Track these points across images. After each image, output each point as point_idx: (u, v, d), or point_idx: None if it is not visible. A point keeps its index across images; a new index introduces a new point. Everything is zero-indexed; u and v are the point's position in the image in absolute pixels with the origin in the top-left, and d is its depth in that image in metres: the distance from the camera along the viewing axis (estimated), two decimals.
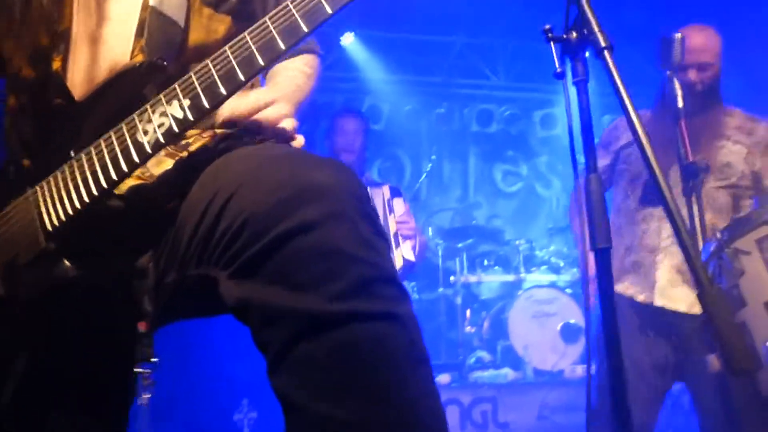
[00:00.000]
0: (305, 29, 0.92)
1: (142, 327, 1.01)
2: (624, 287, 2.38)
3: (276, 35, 0.92)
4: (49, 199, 0.99)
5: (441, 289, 5.08)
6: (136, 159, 0.94)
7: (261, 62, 0.92)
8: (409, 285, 5.46)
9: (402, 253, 3.10)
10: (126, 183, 0.99)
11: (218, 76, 0.92)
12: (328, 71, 5.65)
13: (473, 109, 6.13)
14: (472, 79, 6.15)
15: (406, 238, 3.15)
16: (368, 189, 3.06)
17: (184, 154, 1.04)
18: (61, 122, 1.03)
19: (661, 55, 2.26)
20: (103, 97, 1.01)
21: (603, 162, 2.54)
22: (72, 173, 0.98)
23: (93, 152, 0.97)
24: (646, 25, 4.77)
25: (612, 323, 1.12)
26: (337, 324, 0.80)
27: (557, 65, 1.22)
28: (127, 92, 1.00)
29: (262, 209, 0.85)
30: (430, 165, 5.41)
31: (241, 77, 0.92)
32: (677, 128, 2.31)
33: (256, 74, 0.94)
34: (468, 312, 5.03)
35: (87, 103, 1.02)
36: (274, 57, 0.93)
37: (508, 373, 4.47)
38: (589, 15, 1.16)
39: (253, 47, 0.92)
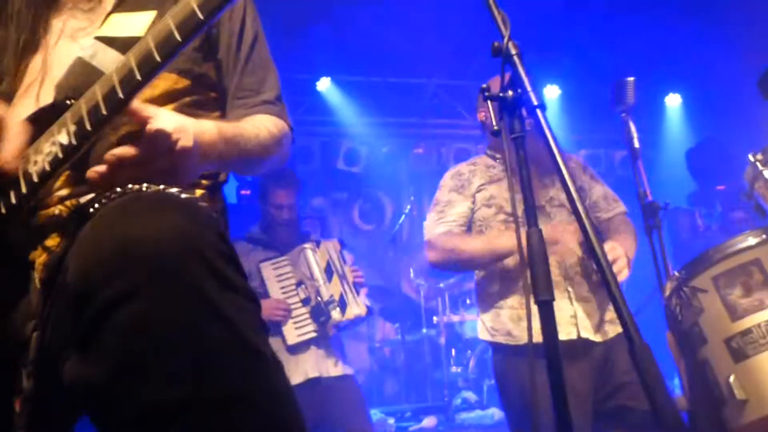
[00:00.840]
0: (179, 39, 0.89)
1: (17, 405, 0.90)
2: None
3: (153, 48, 0.90)
4: None
5: (425, 330, 5.07)
6: (23, 190, 0.95)
7: (138, 77, 0.91)
8: (393, 326, 5.46)
9: (363, 301, 3.15)
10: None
11: (102, 97, 0.92)
12: (306, 115, 5.74)
13: (450, 149, 6.20)
14: (447, 119, 6.25)
15: (361, 286, 3.20)
16: (321, 243, 3.05)
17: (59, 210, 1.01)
18: None
19: (615, 97, 2.33)
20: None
21: (464, 206, 2.44)
22: None
23: None
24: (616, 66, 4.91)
25: (558, 374, 1.14)
26: (175, 416, 0.69)
27: (494, 123, 1.26)
28: (37, 133, 0.99)
29: (86, 276, 0.74)
30: (409, 206, 5.45)
31: (120, 95, 0.91)
32: (635, 167, 2.36)
33: (135, 90, 0.92)
34: (453, 352, 5.02)
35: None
36: (150, 71, 0.91)
37: (494, 413, 4.44)
38: (521, 74, 1.20)
39: (132, 64, 0.91)
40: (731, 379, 1.67)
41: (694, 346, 1.83)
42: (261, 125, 1.23)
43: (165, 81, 1.18)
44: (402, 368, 5.24)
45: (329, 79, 5.75)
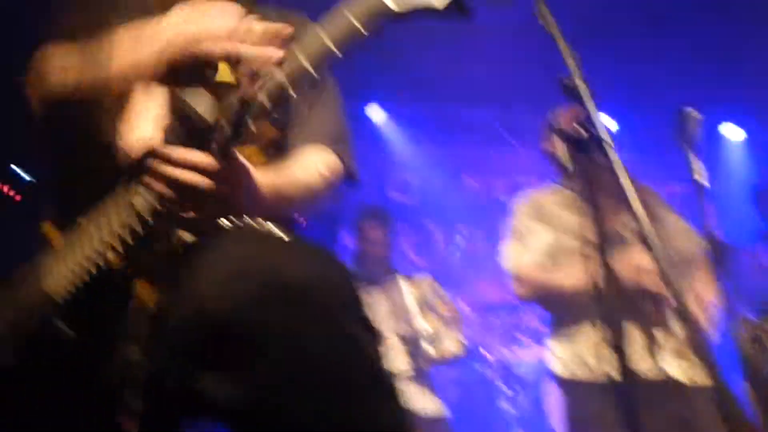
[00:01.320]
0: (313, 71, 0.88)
1: (125, 424, 0.95)
2: None
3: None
4: (68, 260, 1.02)
5: (477, 365, 4.95)
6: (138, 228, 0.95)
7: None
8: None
9: (458, 337, 3.13)
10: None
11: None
12: (357, 143, 5.76)
13: (506, 180, 6.13)
14: (501, 148, 6.18)
15: (455, 321, 3.18)
16: (415, 279, 3.05)
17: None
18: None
19: (678, 128, 2.21)
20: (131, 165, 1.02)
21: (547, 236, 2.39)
22: (92, 238, 1.01)
23: (111, 219, 0.99)
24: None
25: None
26: None
27: (564, 159, 1.22)
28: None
29: (233, 309, 0.81)
30: (460, 237, 5.39)
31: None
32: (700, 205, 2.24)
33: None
34: (504, 388, 4.87)
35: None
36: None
37: None
38: (592, 112, 1.15)
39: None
40: None
41: None
42: (314, 169, 1.24)
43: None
44: (450, 404, 5.11)
45: (381, 107, 5.78)
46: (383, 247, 3.26)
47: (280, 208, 1.12)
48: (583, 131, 1.17)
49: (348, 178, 1.36)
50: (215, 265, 0.86)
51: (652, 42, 4.86)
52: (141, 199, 0.94)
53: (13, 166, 3.36)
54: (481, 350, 4.98)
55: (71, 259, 1.02)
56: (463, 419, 5.03)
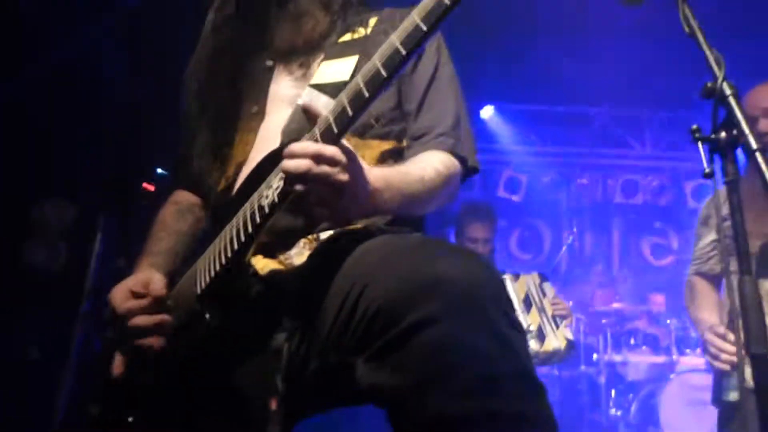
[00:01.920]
0: (384, 74, 0.96)
1: (273, 405, 1.04)
2: None
3: (362, 86, 0.97)
4: (203, 268, 1.17)
5: (583, 367, 4.87)
6: (258, 219, 1.05)
7: (350, 113, 0.98)
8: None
9: (564, 334, 3.09)
10: (268, 266, 1.10)
11: (319, 134, 1.00)
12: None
13: (617, 180, 5.96)
14: (615, 148, 6.02)
15: (563, 318, 3.15)
16: (520, 276, 3.05)
17: (315, 243, 1.13)
18: (225, 210, 1.19)
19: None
20: (249, 180, 1.16)
21: (708, 238, 2.35)
22: (217, 244, 1.15)
23: (233, 223, 1.12)
24: None
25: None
26: (462, 424, 0.81)
27: (705, 165, 1.22)
28: (265, 172, 1.11)
29: (393, 300, 0.88)
30: (571, 237, 5.30)
31: (335, 130, 0.99)
32: None
33: (348, 125, 0.99)
34: (613, 393, 4.76)
35: (241, 189, 1.17)
36: (361, 107, 0.97)
37: None
38: (739, 116, 1.16)
39: (345, 102, 0.98)
40: None
41: None
42: (428, 165, 1.24)
43: (371, 150, 1.28)
44: (555, 404, 5.06)
45: (492, 106, 5.79)
46: (485, 246, 3.27)
47: (396, 202, 1.14)
48: (723, 134, 1.18)
49: (467, 171, 1.35)
50: (384, 264, 0.94)
51: None
52: (270, 194, 1.05)
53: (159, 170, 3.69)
54: (594, 355, 4.90)
55: (209, 255, 1.17)
56: (566, 421, 4.97)
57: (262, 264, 1.12)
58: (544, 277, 3.28)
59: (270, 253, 1.14)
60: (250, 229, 1.08)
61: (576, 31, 4.64)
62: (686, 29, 1.31)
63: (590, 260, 6.18)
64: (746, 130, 1.14)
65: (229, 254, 1.11)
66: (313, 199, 1.01)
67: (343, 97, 1.00)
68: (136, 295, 1.22)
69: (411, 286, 0.88)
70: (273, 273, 1.10)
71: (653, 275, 5.99)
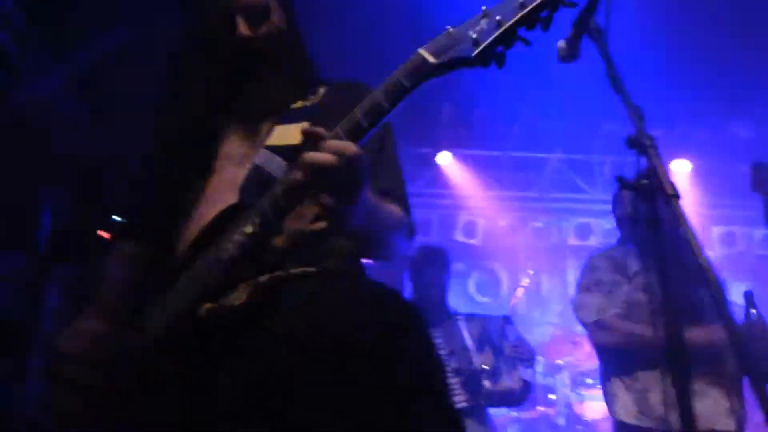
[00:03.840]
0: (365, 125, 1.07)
1: None
2: None
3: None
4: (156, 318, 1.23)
5: (541, 408, 4.91)
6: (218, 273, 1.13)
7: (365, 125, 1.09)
8: None
9: (519, 375, 3.14)
10: (206, 305, 1.15)
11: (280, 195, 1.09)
12: (425, 188, 5.93)
13: (570, 223, 6.14)
14: (568, 193, 6.21)
15: (523, 361, 3.19)
16: (475, 317, 3.09)
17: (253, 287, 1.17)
18: (178, 261, 1.25)
19: (753, 180, 2.27)
20: (207, 232, 1.21)
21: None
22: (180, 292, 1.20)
23: (194, 273, 1.18)
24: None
25: None
26: None
27: (630, 210, 1.32)
28: (223, 224, 1.18)
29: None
30: (526, 279, 5.40)
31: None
32: None
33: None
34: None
35: (197, 240, 1.23)
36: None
37: None
38: (657, 165, 1.25)
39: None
40: None
41: None
42: (394, 208, 1.35)
43: None
44: None
45: (449, 153, 5.94)
46: (439, 289, 3.33)
47: (375, 218, 1.22)
48: (645, 182, 1.27)
49: (408, 234, 1.43)
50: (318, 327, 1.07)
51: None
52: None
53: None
54: (549, 394, 4.95)
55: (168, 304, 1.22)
56: None
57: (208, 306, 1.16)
58: (507, 321, 3.33)
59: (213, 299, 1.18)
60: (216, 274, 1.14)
61: (530, 79, 4.85)
62: (613, 86, 1.42)
63: (547, 301, 6.29)
64: (662, 179, 1.24)
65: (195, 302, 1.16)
66: (327, 198, 1.06)
67: (357, 112, 1.10)
68: (84, 337, 1.23)
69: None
70: (210, 311, 1.15)
71: None
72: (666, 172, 1.25)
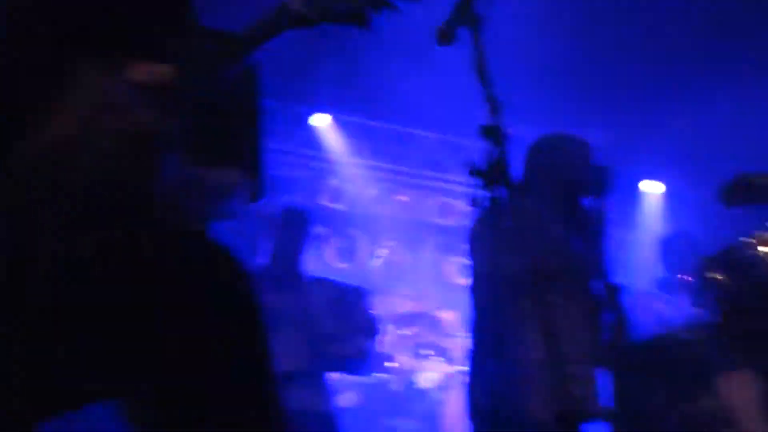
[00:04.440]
0: None
1: None
2: None
3: None
4: None
5: (379, 375, 5.09)
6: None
7: None
8: None
9: (360, 342, 3.20)
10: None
11: None
12: (296, 147, 5.85)
13: (435, 201, 6.34)
14: (438, 172, 6.40)
15: (368, 330, 3.25)
16: (325, 281, 3.10)
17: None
18: None
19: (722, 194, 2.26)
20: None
21: None
22: None
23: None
24: None
25: None
26: None
27: (475, 196, 1.37)
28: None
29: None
30: (385, 250, 5.53)
31: None
32: None
33: None
34: (405, 401, 5.03)
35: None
36: None
37: None
38: (502, 157, 1.31)
39: None
40: None
41: None
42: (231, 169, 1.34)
43: None
44: (351, 410, 5.23)
45: (327, 116, 5.88)
46: (295, 251, 3.31)
47: (198, 189, 1.23)
48: (492, 171, 1.33)
49: (257, 194, 1.42)
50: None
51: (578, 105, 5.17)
52: None
53: None
54: (388, 362, 5.13)
55: None
56: (360, 426, 5.15)
57: None
58: (358, 290, 3.38)
59: None
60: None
61: (416, 56, 4.89)
62: (477, 75, 1.46)
63: (401, 274, 6.49)
64: (507, 169, 1.30)
65: None
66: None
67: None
68: None
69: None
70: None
71: (455, 293, 6.42)
72: (509, 163, 1.31)
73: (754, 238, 1.94)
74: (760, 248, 1.91)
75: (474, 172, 1.38)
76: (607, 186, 2.40)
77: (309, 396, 3.07)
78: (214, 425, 1.00)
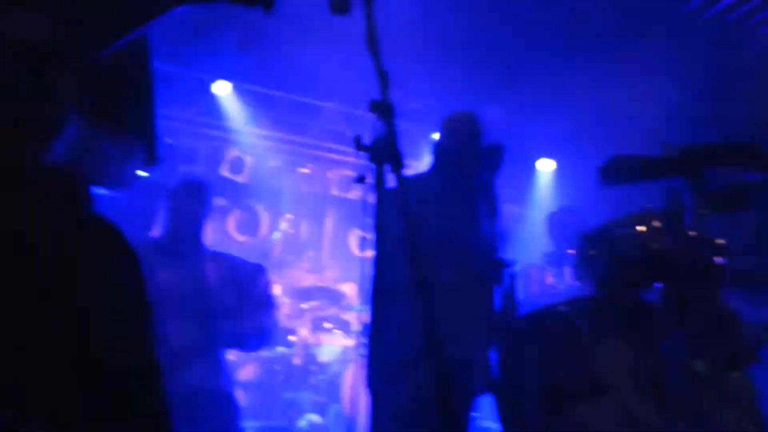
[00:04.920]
0: None
1: None
2: None
3: None
4: None
5: (280, 348, 5.07)
6: None
7: None
8: None
9: (259, 320, 3.12)
10: None
11: None
12: (196, 116, 5.63)
13: (337, 174, 6.32)
14: (340, 144, 6.37)
15: (266, 306, 3.17)
16: (233, 260, 2.97)
17: None
18: None
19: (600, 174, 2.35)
20: None
21: None
22: None
23: None
24: None
25: None
26: None
27: (359, 173, 1.36)
28: None
29: None
30: (285, 222, 5.47)
31: None
32: None
33: None
34: (306, 374, 5.05)
35: None
36: None
37: None
38: (392, 131, 1.31)
39: None
40: None
41: None
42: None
43: None
44: (252, 384, 5.19)
45: (229, 84, 5.69)
46: (194, 223, 3.19)
47: (85, 155, 1.15)
48: (379, 145, 1.33)
49: (150, 160, 1.37)
50: None
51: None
52: None
53: None
54: (289, 336, 5.12)
55: None
56: (260, 399, 5.13)
57: None
58: (258, 267, 3.30)
59: None
60: None
61: (320, 24, 4.79)
62: (369, 48, 1.44)
63: (303, 247, 6.46)
64: (395, 144, 1.30)
65: None
66: None
67: None
68: None
69: None
70: None
71: (355, 266, 6.47)
72: (397, 139, 1.31)
73: (632, 216, 2.06)
74: (636, 227, 2.04)
75: (360, 146, 1.37)
76: (499, 162, 2.47)
77: (205, 373, 2.99)
78: (91, 418, 0.94)
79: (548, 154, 6.95)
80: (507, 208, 6.83)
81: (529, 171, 7.04)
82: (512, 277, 2.40)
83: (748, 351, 1.92)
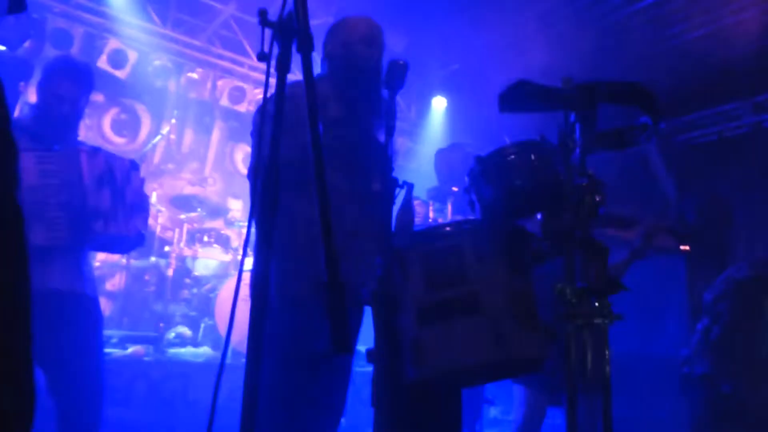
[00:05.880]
0: None
1: None
2: None
3: None
4: None
5: (153, 258, 4.86)
6: None
7: None
8: None
9: (135, 224, 2.90)
10: None
11: None
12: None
13: (227, 84, 5.99)
14: (234, 53, 6.02)
15: (141, 209, 2.95)
16: (109, 157, 2.70)
17: None
18: None
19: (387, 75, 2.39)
20: None
21: None
22: None
23: None
24: None
25: None
26: None
27: (264, 48, 1.25)
28: None
29: None
30: (168, 128, 5.15)
31: None
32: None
33: None
34: (179, 287, 4.89)
35: None
36: None
37: (206, 352, 4.45)
38: (301, 12, 1.20)
39: None
40: None
41: None
42: None
43: None
44: (120, 294, 4.95)
45: None
46: (71, 109, 2.89)
47: None
48: (287, 22, 1.22)
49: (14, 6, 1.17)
50: None
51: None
52: None
53: None
54: (165, 246, 4.91)
55: None
56: (128, 309, 4.93)
57: None
58: (134, 166, 3.06)
59: None
60: None
61: None
62: None
63: (185, 156, 6.14)
64: (303, 26, 1.20)
65: None
66: None
67: None
68: None
69: None
70: None
71: (238, 182, 6.28)
72: (307, 17, 1.20)
73: (526, 144, 2.10)
74: (530, 154, 2.08)
75: (266, 21, 1.26)
76: (400, 78, 2.40)
77: (67, 274, 2.77)
78: None
79: (441, 92, 7.01)
80: (400, 142, 6.88)
81: (424, 107, 7.08)
82: (410, 190, 2.39)
83: (612, 281, 2.04)
